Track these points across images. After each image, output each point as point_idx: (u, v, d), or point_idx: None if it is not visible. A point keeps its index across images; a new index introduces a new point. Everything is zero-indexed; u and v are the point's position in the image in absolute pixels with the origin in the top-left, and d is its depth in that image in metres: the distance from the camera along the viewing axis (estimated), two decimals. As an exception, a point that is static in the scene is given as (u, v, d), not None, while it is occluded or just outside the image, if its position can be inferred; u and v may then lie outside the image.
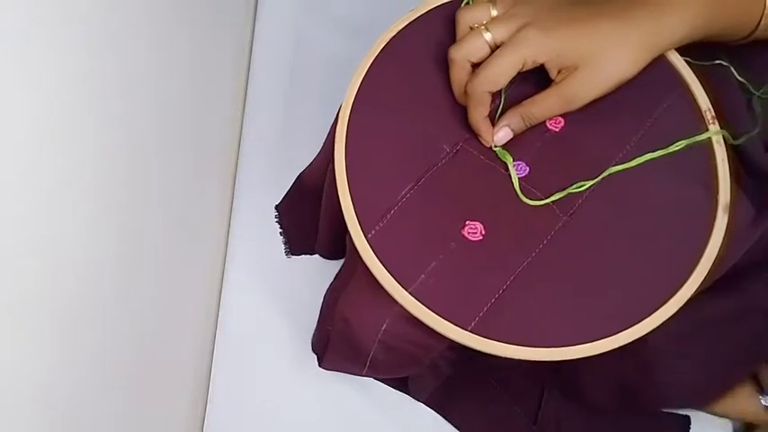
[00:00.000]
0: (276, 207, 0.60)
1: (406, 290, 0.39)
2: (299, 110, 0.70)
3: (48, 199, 0.36)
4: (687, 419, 0.58)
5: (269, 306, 0.65)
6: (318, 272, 0.65)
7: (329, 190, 0.50)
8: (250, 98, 0.72)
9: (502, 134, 0.43)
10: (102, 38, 0.40)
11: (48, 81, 0.35)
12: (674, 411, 0.58)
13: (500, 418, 0.60)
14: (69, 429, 0.40)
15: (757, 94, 0.47)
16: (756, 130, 0.45)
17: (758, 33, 0.43)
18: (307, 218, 0.60)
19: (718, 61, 0.45)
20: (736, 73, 0.45)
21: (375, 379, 0.61)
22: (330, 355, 0.51)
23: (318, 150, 0.51)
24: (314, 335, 0.56)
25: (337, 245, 0.61)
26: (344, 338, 0.47)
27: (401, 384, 0.61)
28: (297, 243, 0.64)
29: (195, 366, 0.62)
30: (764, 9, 0.42)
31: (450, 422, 0.60)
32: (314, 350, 0.55)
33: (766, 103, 0.47)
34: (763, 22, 0.42)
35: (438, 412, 0.61)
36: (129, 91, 0.45)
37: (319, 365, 0.54)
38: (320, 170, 0.52)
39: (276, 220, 0.61)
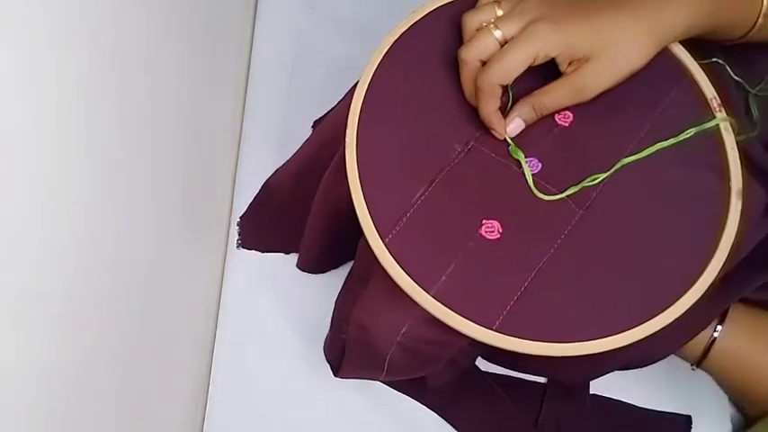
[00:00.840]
0: (240, 218, 0.61)
1: (428, 293, 0.39)
2: (299, 110, 0.70)
3: (47, 197, 0.36)
4: (689, 419, 0.58)
5: (269, 306, 0.64)
6: (318, 271, 0.65)
7: (330, 197, 0.50)
8: (250, 98, 0.72)
9: (514, 125, 0.43)
10: (102, 37, 0.40)
11: (46, 77, 0.34)
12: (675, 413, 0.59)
13: (502, 421, 0.60)
14: (69, 429, 0.40)
15: (753, 91, 0.47)
16: (756, 132, 0.46)
17: (754, 33, 0.43)
18: (278, 225, 0.60)
19: (714, 59, 0.45)
20: (731, 72, 0.45)
21: (383, 383, 0.61)
22: (347, 365, 0.51)
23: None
24: (326, 343, 0.56)
25: (329, 256, 0.60)
26: (361, 345, 0.46)
27: (407, 388, 0.61)
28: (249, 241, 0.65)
29: (195, 366, 0.62)
30: (762, 8, 0.42)
31: (451, 424, 0.60)
32: (328, 360, 0.55)
33: (764, 101, 0.47)
34: (760, 21, 0.43)
35: (440, 414, 0.61)
36: (128, 91, 0.45)
37: (335, 375, 0.53)
38: (294, 175, 0.51)
39: (237, 230, 0.63)
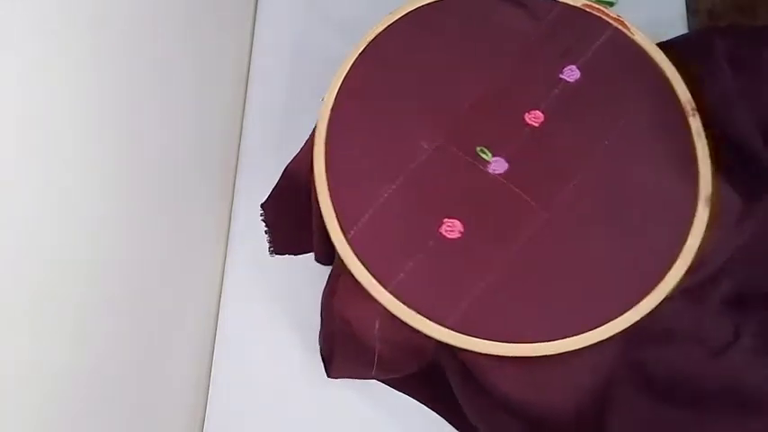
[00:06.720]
0: (262, 206, 0.61)
1: (386, 288, 0.40)
2: (299, 110, 0.70)
3: (53, 201, 0.36)
4: None
5: (269, 306, 0.64)
6: (318, 272, 0.65)
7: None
8: (250, 99, 0.72)
9: None
10: (105, 39, 0.40)
11: (51, 85, 0.35)
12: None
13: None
14: (71, 428, 0.40)
15: None
16: None
17: None
18: (290, 215, 0.60)
19: None
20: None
21: (379, 380, 0.61)
22: (338, 361, 0.51)
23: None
24: (319, 341, 0.56)
25: (329, 247, 0.60)
26: (349, 339, 0.46)
27: (404, 386, 0.61)
28: (280, 242, 0.64)
29: (195, 366, 0.62)
30: None
31: (450, 422, 0.60)
32: (322, 357, 0.55)
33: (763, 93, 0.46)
34: None
35: (439, 413, 0.61)
36: (130, 92, 0.45)
37: (328, 375, 0.53)
38: (307, 165, 0.52)
39: (262, 218, 0.62)
